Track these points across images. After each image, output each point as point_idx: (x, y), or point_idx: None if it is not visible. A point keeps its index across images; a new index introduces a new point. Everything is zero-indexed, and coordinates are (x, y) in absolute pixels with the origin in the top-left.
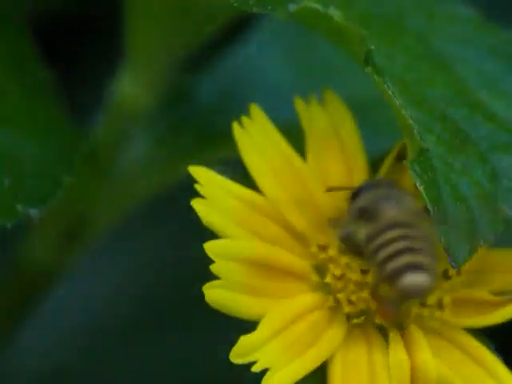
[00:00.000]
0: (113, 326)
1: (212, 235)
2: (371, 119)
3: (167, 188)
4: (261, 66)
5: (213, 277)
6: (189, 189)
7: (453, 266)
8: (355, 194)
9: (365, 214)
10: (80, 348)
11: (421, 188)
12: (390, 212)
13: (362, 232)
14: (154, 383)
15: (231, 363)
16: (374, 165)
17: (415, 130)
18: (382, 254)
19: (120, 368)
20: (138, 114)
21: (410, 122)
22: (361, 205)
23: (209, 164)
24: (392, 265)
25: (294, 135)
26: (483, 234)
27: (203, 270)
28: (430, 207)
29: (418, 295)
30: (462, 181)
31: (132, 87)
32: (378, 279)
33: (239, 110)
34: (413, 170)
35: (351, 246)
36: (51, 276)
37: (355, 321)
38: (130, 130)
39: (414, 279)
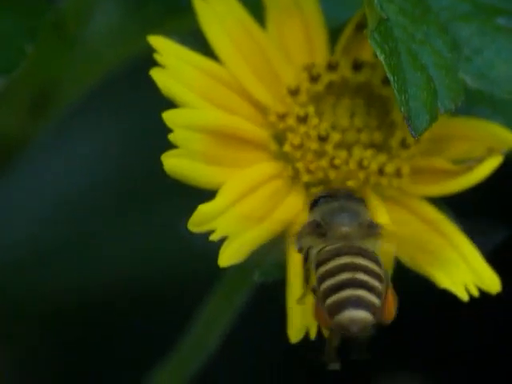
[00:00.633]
0: (76, 198)
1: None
2: None
3: (135, 59)
4: None
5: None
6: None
7: (412, 136)
8: (313, 203)
9: (318, 229)
10: (43, 219)
11: (380, 57)
12: (342, 229)
13: (314, 250)
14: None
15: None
16: (335, 35)
17: (375, 0)
18: (324, 285)
19: (84, 239)
20: None
21: None
22: (315, 218)
23: (176, 34)
24: (332, 299)
25: (256, 5)
26: (443, 103)
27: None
28: (389, 77)
29: (357, 331)
30: (422, 50)
31: None
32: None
33: None
34: (372, 39)
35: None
36: (17, 145)
37: (313, 190)
38: None
39: (352, 316)
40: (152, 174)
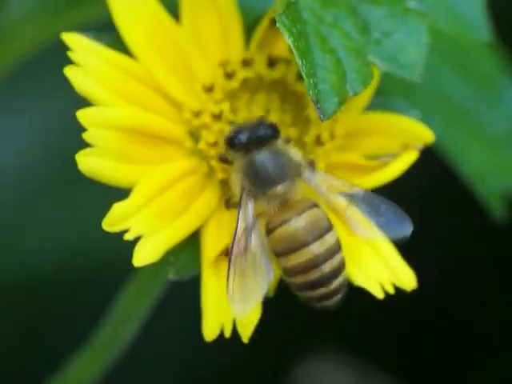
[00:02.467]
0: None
1: None
2: None
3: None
4: None
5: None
6: None
7: (321, 119)
8: (230, 144)
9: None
10: None
11: (289, 41)
12: (276, 191)
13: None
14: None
15: None
16: (250, 28)
17: None
18: (295, 280)
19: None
20: None
21: None
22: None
23: (92, 16)
24: (306, 295)
25: None
26: (352, 86)
27: None
28: (298, 60)
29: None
30: (332, 33)
31: None
32: None
33: None
34: (281, 22)
35: None
36: None
37: None
38: None
39: (326, 305)
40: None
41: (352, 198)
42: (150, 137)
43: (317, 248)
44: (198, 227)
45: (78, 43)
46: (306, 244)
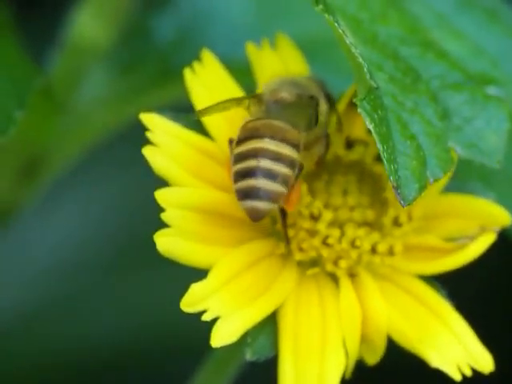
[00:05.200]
0: (72, 268)
1: None
2: (331, 59)
3: (126, 126)
4: (221, 2)
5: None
6: None
7: (402, 205)
8: None
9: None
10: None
11: (370, 126)
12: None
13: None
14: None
15: None
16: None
17: (365, 69)
18: (235, 168)
19: (70, 303)
20: (95, 49)
21: (360, 60)
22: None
23: (166, 101)
24: (237, 185)
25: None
26: (432, 172)
27: None
28: (379, 146)
29: (256, 219)
30: (412, 119)
31: (91, 22)
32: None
33: (198, 47)
34: (362, 108)
35: None
36: (8, 210)
37: (309, 272)
38: (88, 64)
39: (251, 205)
40: (141, 239)
41: None
42: (226, 218)
43: (269, 144)
44: (276, 308)
45: (155, 123)
46: (261, 136)
